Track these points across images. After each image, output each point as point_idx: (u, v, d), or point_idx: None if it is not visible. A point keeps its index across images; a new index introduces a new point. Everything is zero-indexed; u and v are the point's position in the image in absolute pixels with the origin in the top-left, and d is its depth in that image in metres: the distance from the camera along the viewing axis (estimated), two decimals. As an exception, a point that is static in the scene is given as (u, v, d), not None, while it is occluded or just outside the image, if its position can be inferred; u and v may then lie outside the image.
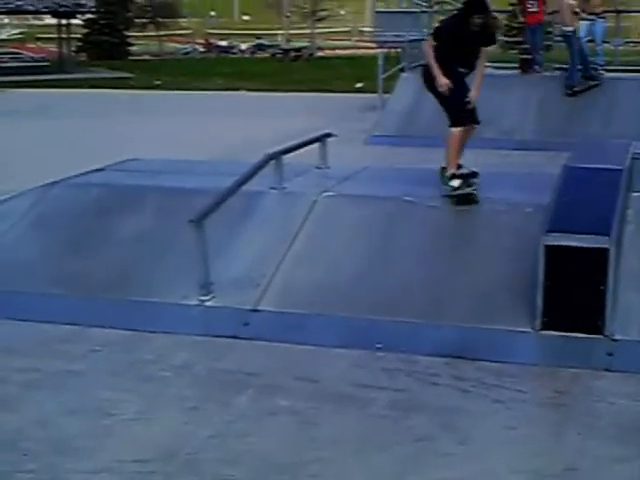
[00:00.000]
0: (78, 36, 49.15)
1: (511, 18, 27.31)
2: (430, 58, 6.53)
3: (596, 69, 15.06)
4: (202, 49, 62.19)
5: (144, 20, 63.16)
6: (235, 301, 5.83)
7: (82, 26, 49.66)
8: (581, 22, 15.11)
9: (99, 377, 5.02)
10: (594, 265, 5.26)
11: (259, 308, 5.79)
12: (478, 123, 6.71)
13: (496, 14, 10.96)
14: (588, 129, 13.26)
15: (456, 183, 6.48)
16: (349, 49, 59.33)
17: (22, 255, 6.57)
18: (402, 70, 16.89)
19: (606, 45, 16.16)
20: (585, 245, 5.28)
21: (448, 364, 5.11)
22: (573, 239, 5.32)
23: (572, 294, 5.29)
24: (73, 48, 44.03)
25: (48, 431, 4.35)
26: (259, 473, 3.96)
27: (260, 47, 60.28)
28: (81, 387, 4.90)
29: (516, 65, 15.93)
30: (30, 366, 5.11)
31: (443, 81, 6.43)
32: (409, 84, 14.92)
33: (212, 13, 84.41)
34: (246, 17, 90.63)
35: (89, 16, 46.80)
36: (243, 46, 62.43)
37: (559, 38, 15.70)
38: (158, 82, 29.45)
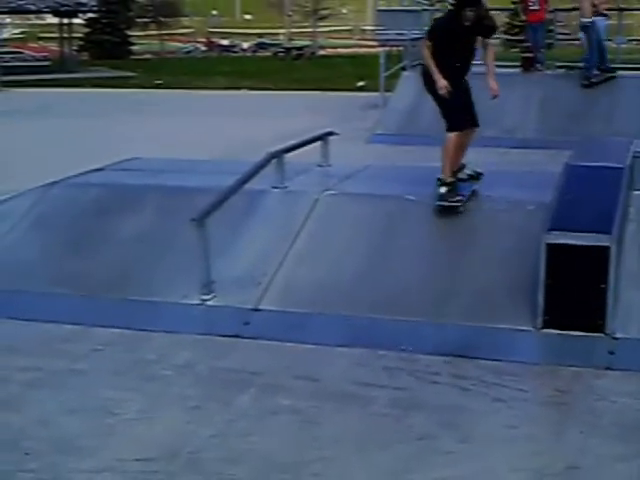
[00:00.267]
0: (80, 35, 49.27)
1: (513, 16, 27.34)
2: (428, 60, 6.47)
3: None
4: (204, 48, 62.28)
5: (146, 19, 63.26)
6: (236, 300, 5.83)
7: (84, 25, 49.81)
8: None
9: (101, 376, 5.03)
10: (595, 263, 5.25)
11: (260, 307, 5.79)
12: (478, 126, 6.66)
13: (496, 12, 10.96)
14: (590, 127, 13.20)
15: (443, 190, 6.45)
16: (351, 48, 59.39)
17: (23, 255, 6.57)
18: (404, 69, 16.85)
19: (608, 43, 16.12)
20: (586, 243, 5.27)
21: (449, 363, 5.10)
22: (574, 237, 5.31)
23: (573, 292, 5.28)
24: (75, 47, 44.10)
25: (50, 430, 4.35)
26: (261, 472, 3.97)
27: (262, 46, 60.34)
28: (83, 386, 4.91)
29: (518, 63, 15.91)
30: (32, 365, 5.11)
31: (442, 83, 6.39)
32: (411, 83, 14.87)
33: (214, 12, 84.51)
34: (248, 16, 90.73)
35: (91, 15, 46.95)
36: (245, 45, 62.53)
37: (562, 36, 15.67)
38: (159, 81, 29.45)
